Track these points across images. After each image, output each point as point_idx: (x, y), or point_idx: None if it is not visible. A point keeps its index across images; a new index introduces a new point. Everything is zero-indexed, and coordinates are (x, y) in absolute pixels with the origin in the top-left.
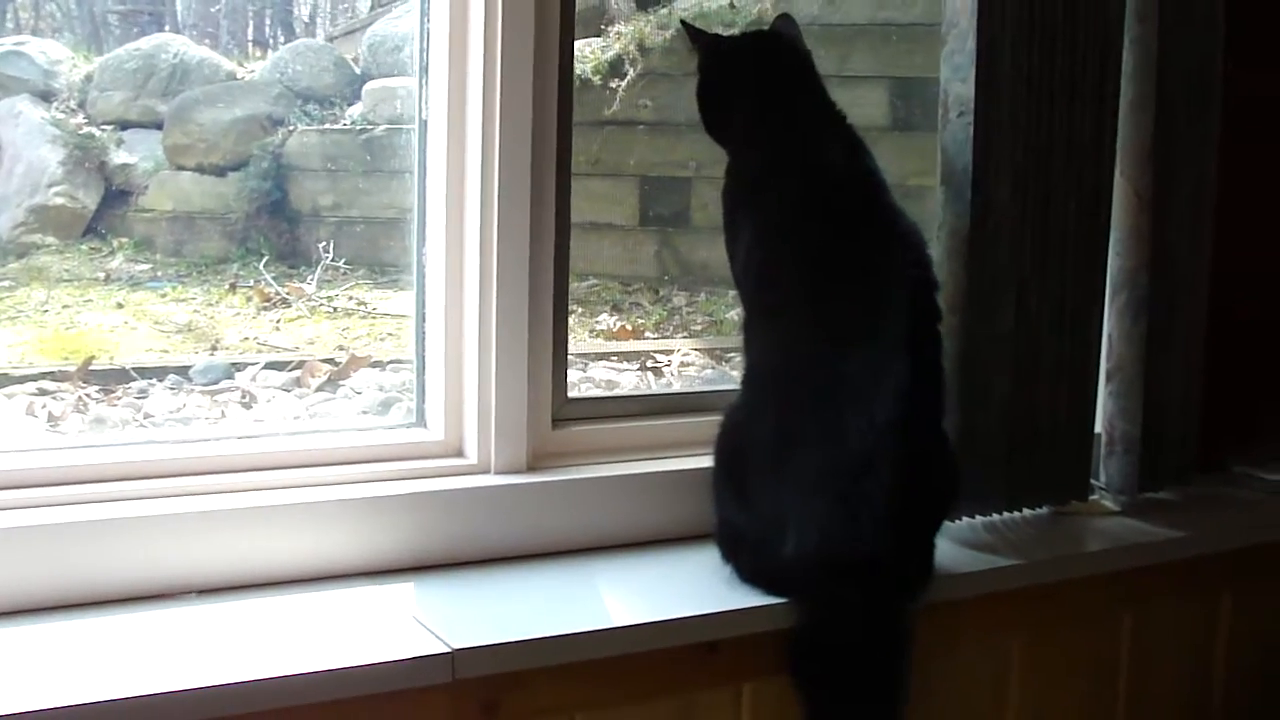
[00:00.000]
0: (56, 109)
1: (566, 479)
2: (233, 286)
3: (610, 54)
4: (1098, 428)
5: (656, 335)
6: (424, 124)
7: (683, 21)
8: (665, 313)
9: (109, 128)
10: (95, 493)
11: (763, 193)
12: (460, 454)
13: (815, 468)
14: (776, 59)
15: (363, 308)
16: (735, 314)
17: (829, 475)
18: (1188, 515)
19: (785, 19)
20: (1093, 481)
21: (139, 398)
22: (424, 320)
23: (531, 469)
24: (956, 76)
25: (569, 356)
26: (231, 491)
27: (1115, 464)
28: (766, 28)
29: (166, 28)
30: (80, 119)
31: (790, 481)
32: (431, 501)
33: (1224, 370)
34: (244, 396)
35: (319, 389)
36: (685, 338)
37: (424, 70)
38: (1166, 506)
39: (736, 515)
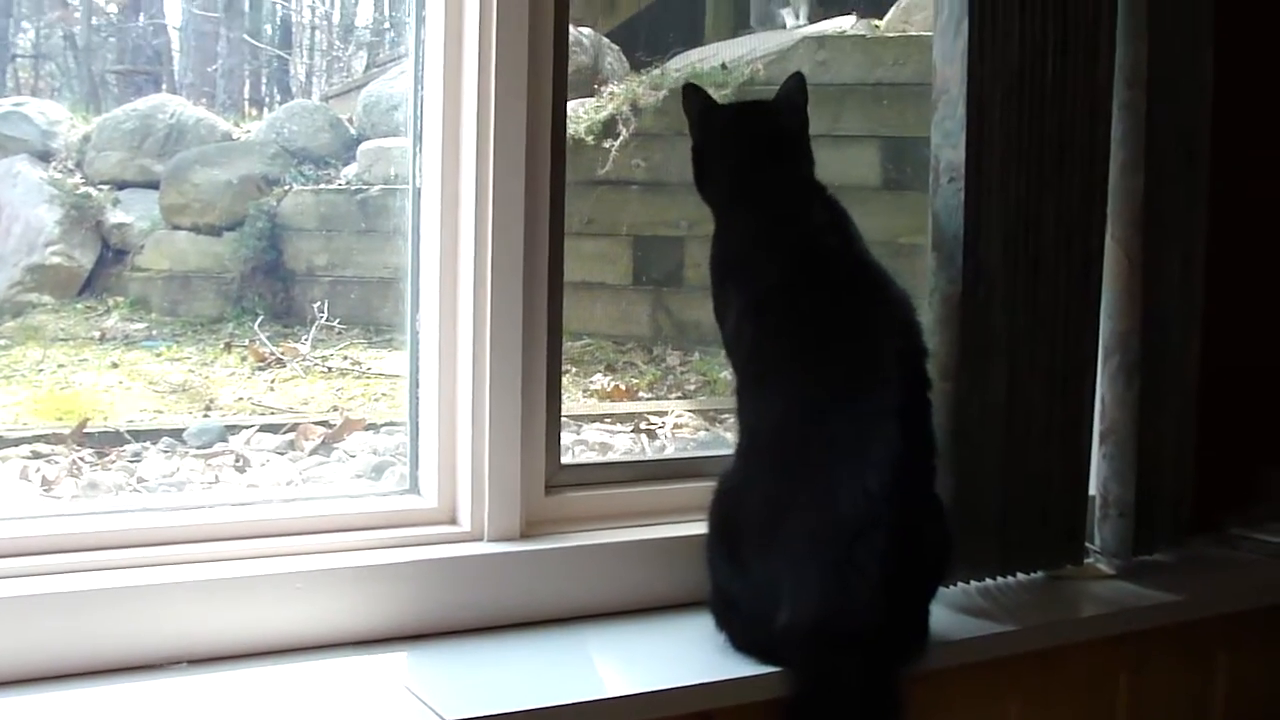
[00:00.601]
0: (54, 169)
1: (560, 547)
2: (228, 346)
3: (603, 114)
4: (1091, 490)
5: (650, 395)
6: (418, 191)
7: (688, 84)
8: (659, 372)
9: (106, 187)
10: (87, 561)
11: (750, 264)
12: (454, 521)
13: (808, 536)
14: (764, 131)
15: (357, 367)
16: (728, 374)
17: (822, 543)
18: (1183, 578)
19: (796, 79)
20: (1087, 545)
21: (133, 461)
22: (417, 387)
23: (525, 536)
24: (947, 143)
25: (562, 419)
26: (224, 560)
27: (1110, 527)
28: (773, 93)
29: (164, 87)
30: (78, 178)
31: (783, 549)
32: (425, 570)
33: (1218, 431)
34: (238, 460)
35: (313, 452)
36: (678, 398)
37: (418, 137)
38: (1162, 569)
39: (730, 583)
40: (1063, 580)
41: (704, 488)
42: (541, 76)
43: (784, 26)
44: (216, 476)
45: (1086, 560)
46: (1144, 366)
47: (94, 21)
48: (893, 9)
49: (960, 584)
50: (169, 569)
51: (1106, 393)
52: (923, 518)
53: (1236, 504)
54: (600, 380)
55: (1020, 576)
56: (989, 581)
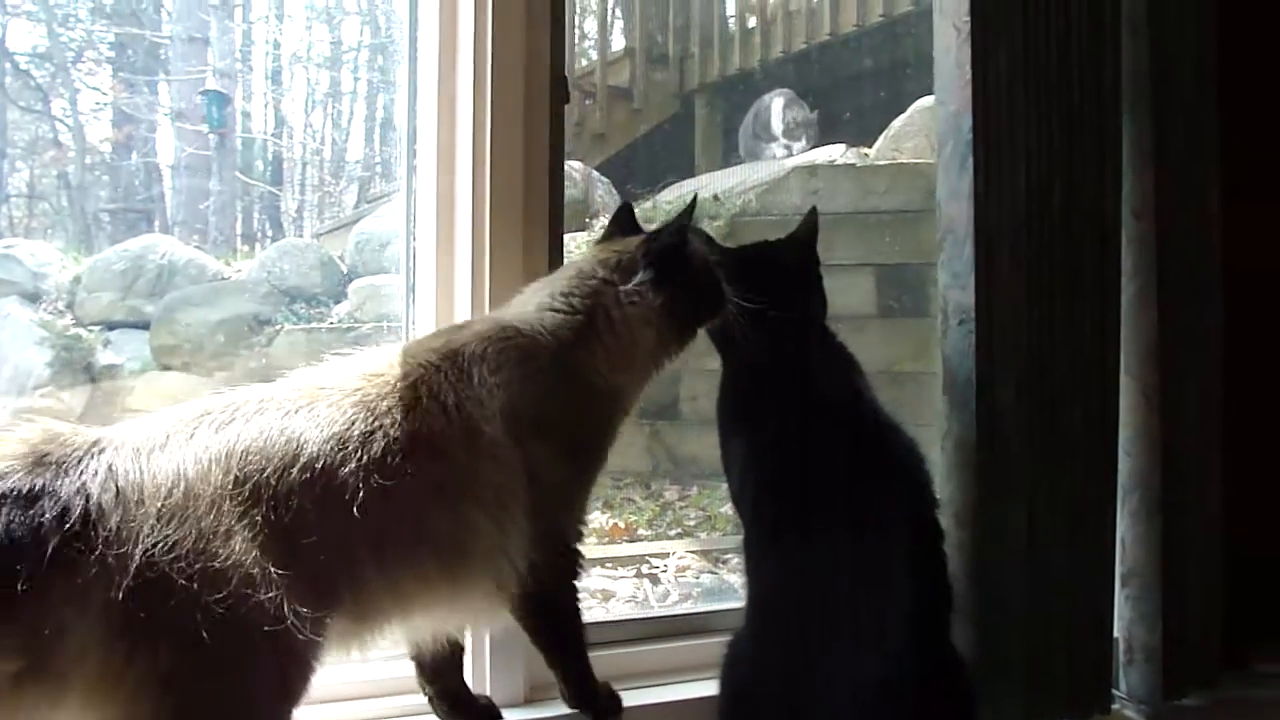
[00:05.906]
0: (44, 310)
1: (567, 713)
2: None
3: None
4: (1115, 634)
5: (650, 532)
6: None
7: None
8: (657, 508)
9: (96, 328)
10: None
11: (753, 414)
12: None
13: (826, 704)
14: (767, 276)
15: None
16: (728, 508)
17: (844, 711)
18: None
19: (809, 216)
20: (1114, 692)
21: None
22: None
23: (529, 701)
24: (956, 283)
25: None
26: None
27: (1136, 672)
28: (768, 224)
29: (157, 225)
30: (68, 320)
31: (804, 718)
32: None
33: (1243, 565)
34: None
35: None
36: (678, 534)
37: (411, 289)
38: (1192, 714)
39: None
40: None
41: (711, 644)
42: (537, 211)
43: (774, 157)
44: None
45: (1114, 707)
46: (1165, 504)
47: (87, 160)
48: (881, 137)
49: None
50: None
51: (1127, 533)
52: (943, 675)
53: (1265, 640)
54: (599, 518)
55: None
56: None
